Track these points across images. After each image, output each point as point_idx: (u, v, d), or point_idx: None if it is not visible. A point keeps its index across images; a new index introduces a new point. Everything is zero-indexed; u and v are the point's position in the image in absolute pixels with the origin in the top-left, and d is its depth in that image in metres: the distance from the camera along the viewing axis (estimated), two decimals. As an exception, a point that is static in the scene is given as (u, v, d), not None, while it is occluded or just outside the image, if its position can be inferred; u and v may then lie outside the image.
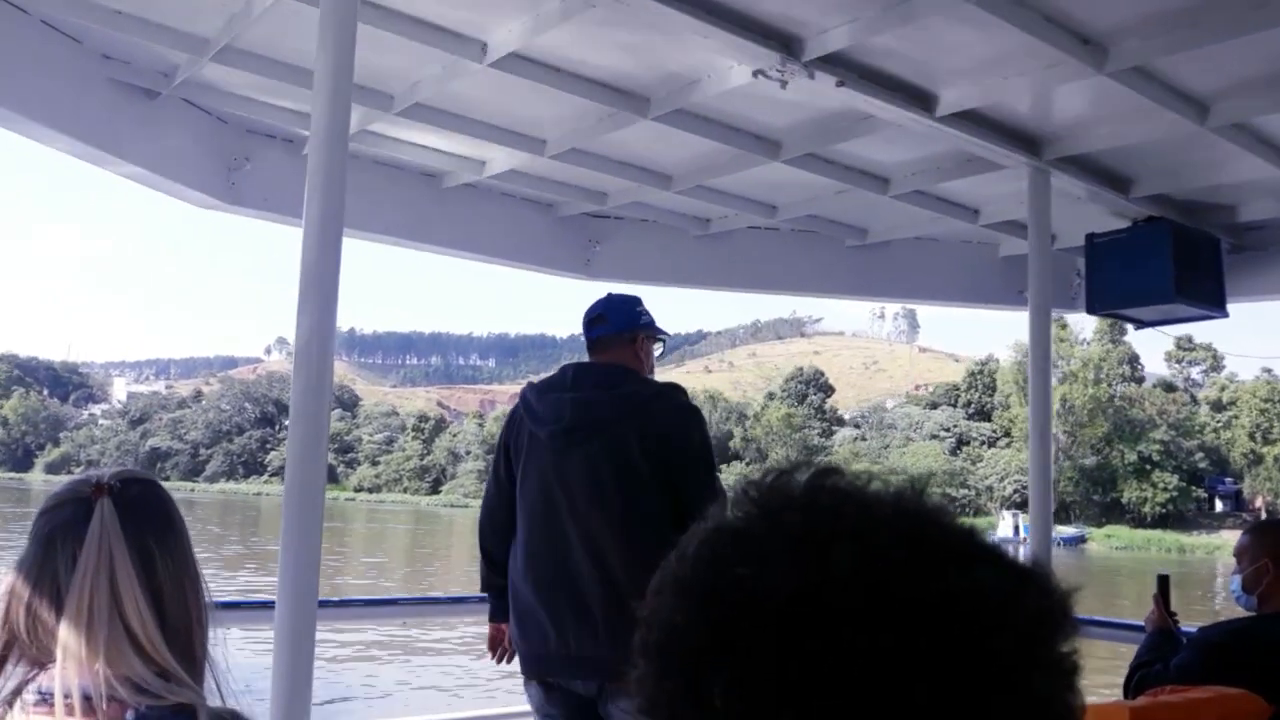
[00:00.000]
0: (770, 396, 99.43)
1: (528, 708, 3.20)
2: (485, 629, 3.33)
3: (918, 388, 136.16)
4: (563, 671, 2.97)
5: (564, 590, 2.93)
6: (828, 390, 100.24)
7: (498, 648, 3.25)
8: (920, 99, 3.62)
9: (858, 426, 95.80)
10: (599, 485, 2.92)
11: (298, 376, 2.42)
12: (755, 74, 3.26)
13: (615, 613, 2.79)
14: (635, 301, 3.22)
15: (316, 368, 2.42)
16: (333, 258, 2.47)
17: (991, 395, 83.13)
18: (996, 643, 0.54)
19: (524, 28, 3.24)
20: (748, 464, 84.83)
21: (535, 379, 3.25)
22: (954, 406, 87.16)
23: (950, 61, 3.43)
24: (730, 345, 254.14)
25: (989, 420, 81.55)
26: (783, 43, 3.21)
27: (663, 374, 3.40)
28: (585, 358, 3.26)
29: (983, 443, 79.48)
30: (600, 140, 4.21)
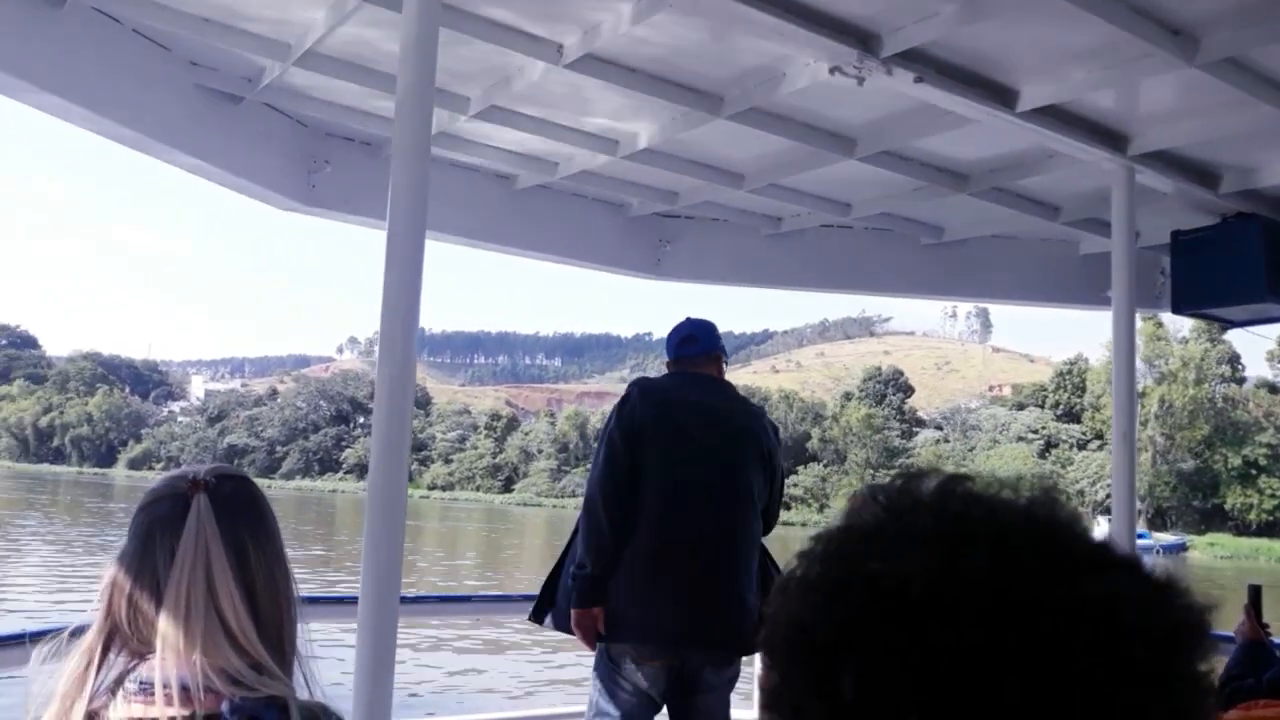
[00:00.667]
0: (848, 397, 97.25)
1: (580, 708, 3.26)
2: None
3: (992, 388, 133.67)
4: (696, 646, 3.20)
5: (704, 570, 3.21)
6: (907, 390, 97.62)
7: (592, 631, 3.28)
8: (1001, 94, 3.56)
9: (939, 428, 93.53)
10: (741, 480, 3.35)
11: (381, 377, 2.46)
12: (832, 71, 3.23)
13: (746, 591, 3.27)
14: (715, 327, 3.65)
15: (400, 368, 2.46)
16: (416, 260, 2.50)
17: (1081, 396, 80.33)
18: (1130, 651, 0.53)
19: (599, 28, 3.25)
20: (825, 465, 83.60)
21: (646, 378, 3.61)
22: (1041, 408, 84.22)
23: (1032, 56, 3.37)
24: (797, 345, 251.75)
25: (1079, 422, 78.96)
26: (860, 39, 3.18)
27: (730, 374, 3.71)
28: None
29: (1073, 445, 76.78)
30: (673, 140, 4.21)
